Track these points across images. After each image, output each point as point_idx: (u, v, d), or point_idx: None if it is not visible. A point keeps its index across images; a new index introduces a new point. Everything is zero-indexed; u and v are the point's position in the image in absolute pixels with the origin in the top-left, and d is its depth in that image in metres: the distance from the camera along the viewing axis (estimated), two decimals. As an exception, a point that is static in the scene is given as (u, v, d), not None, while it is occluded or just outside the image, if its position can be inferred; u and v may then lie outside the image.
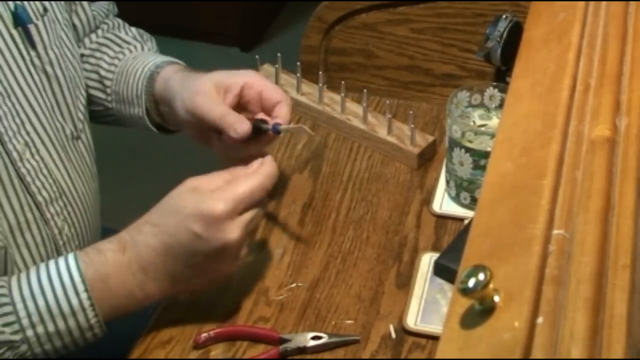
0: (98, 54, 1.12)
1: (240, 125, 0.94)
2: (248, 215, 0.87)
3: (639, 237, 0.55)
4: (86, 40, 1.13)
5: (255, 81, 0.98)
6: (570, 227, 0.56)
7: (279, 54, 1.26)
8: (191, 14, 2.89)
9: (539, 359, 0.47)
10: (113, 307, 0.87)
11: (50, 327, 0.84)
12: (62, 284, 0.84)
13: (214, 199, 0.85)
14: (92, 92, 1.11)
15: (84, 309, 0.85)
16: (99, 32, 1.15)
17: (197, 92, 0.98)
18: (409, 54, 1.27)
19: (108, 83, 1.11)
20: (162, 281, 0.87)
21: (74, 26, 1.10)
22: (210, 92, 0.97)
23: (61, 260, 0.86)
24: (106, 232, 1.32)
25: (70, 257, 0.86)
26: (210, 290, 0.98)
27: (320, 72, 1.26)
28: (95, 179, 1.08)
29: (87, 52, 1.12)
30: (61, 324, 0.84)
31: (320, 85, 1.23)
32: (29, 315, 0.84)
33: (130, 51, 1.13)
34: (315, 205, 1.10)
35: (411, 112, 1.15)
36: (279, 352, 0.91)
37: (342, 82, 1.21)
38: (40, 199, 0.95)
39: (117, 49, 1.13)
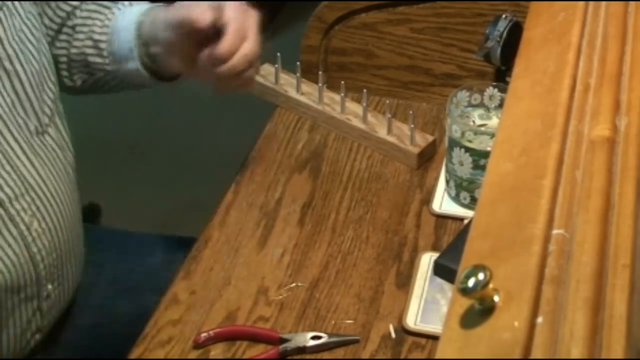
0: (89, 21, 1.11)
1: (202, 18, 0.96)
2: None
3: (639, 237, 0.55)
4: (77, 11, 1.12)
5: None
6: (570, 227, 0.56)
7: (278, 54, 1.26)
8: (191, 14, 2.88)
9: (539, 359, 0.47)
10: None
11: None
12: None
13: None
14: (91, 59, 1.10)
15: None
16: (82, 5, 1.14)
17: (177, 14, 0.99)
18: (408, 53, 1.27)
19: (103, 45, 1.10)
20: None
21: (72, 8, 1.09)
22: (186, 6, 0.99)
23: None
24: (106, 231, 1.33)
25: None
26: (210, 290, 0.99)
27: (320, 72, 1.26)
28: (71, 173, 1.07)
29: (79, 21, 1.11)
30: None
31: (320, 85, 1.23)
32: None
33: (119, 9, 1.11)
34: (315, 205, 1.10)
35: (411, 112, 1.15)
36: (279, 352, 0.91)
37: (342, 82, 1.21)
38: (2, 195, 0.94)
39: (106, 11, 1.11)
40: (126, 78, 1.11)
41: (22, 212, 0.96)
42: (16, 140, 0.96)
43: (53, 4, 1.08)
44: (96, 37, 1.10)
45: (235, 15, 0.97)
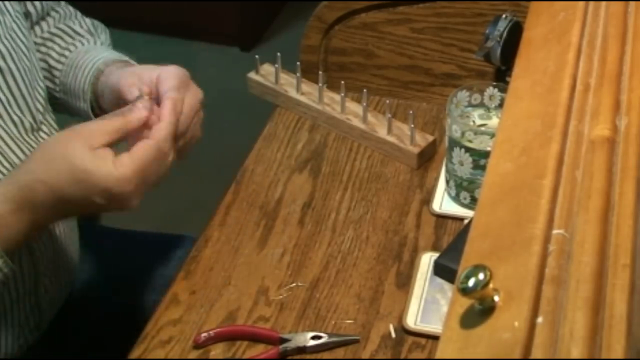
0: (49, 44, 1.12)
1: (130, 91, 0.95)
2: (149, 182, 0.88)
3: (639, 237, 0.55)
4: (37, 29, 1.12)
5: (163, 76, 0.96)
6: (570, 227, 0.56)
7: (278, 54, 1.27)
8: (191, 14, 2.89)
9: (539, 359, 0.47)
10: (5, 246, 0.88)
11: None
12: None
13: (121, 180, 0.85)
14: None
15: None
16: (50, 20, 1.14)
17: (117, 80, 0.99)
18: (409, 53, 1.27)
19: (57, 73, 1.10)
20: (52, 216, 0.90)
21: (28, 13, 1.09)
22: (126, 76, 0.99)
23: None
24: (106, 231, 1.33)
25: None
26: (210, 290, 0.99)
27: (320, 72, 1.26)
28: None
29: (38, 40, 1.11)
30: None
31: (320, 85, 1.23)
32: None
33: (82, 44, 1.12)
34: (315, 205, 1.10)
35: (411, 111, 1.15)
36: (279, 352, 0.91)
37: (342, 82, 1.21)
38: None
39: (68, 40, 1.12)
40: (71, 109, 1.12)
41: None
42: (11, 137, 0.97)
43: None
44: (52, 62, 1.11)
45: (176, 97, 0.94)
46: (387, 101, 1.20)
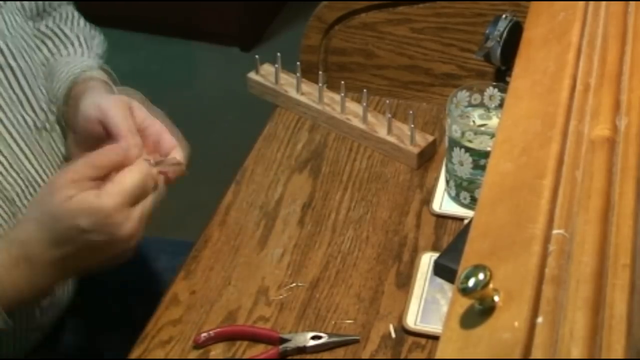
0: (38, 42, 1.11)
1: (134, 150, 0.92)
2: (140, 208, 0.85)
3: (639, 237, 0.55)
4: (30, 24, 1.10)
5: (154, 127, 0.95)
6: (570, 227, 0.56)
7: (278, 54, 1.27)
8: (191, 14, 2.89)
9: (539, 359, 0.47)
10: (4, 305, 0.87)
11: None
12: None
13: (102, 195, 0.83)
14: None
15: None
16: (50, 20, 1.12)
17: (113, 100, 0.97)
18: (409, 53, 1.27)
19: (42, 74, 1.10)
20: (51, 274, 0.87)
21: (23, 7, 1.09)
22: (123, 106, 0.96)
23: None
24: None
25: None
26: (210, 290, 0.99)
27: (320, 72, 1.26)
28: None
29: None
30: None
31: (320, 85, 1.23)
32: None
33: (67, 50, 1.10)
34: (315, 205, 1.10)
35: (411, 111, 1.15)
36: (279, 352, 0.91)
37: (342, 82, 1.21)
38: (13, 194, 0.94)
39: (57, 42, 1.10)
40: None
41: (23, 208, 0.96)
42: (15, 136, 0.97)
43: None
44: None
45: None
46: (387, 101, 1.20)
